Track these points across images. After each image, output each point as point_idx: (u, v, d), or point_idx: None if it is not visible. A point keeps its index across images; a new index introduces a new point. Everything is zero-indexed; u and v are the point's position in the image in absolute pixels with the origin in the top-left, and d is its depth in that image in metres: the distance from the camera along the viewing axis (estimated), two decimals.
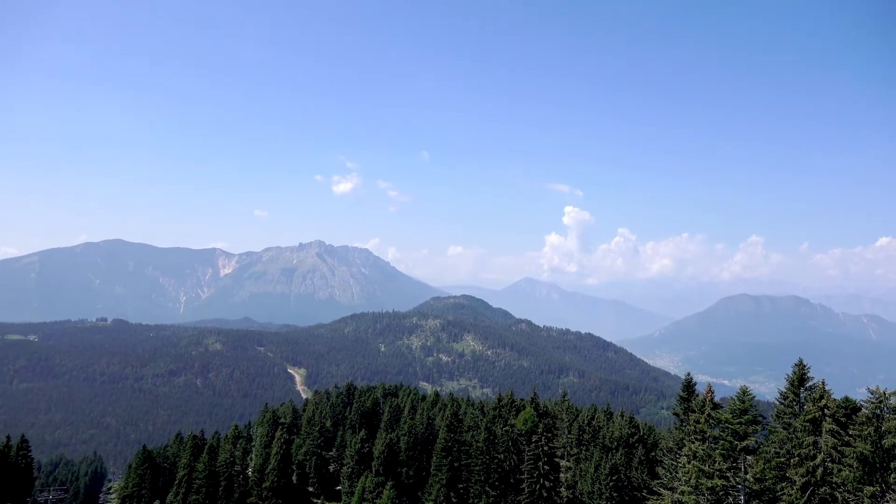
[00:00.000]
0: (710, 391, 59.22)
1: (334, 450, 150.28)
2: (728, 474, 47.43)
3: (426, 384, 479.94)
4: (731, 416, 48.66)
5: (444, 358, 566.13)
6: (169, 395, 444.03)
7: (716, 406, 57.68)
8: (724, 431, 48.68)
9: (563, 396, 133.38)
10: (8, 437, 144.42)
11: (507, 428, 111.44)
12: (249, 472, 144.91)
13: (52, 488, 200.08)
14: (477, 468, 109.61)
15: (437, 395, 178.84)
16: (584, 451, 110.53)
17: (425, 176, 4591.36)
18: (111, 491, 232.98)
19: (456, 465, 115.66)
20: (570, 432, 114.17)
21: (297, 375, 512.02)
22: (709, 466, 48.12)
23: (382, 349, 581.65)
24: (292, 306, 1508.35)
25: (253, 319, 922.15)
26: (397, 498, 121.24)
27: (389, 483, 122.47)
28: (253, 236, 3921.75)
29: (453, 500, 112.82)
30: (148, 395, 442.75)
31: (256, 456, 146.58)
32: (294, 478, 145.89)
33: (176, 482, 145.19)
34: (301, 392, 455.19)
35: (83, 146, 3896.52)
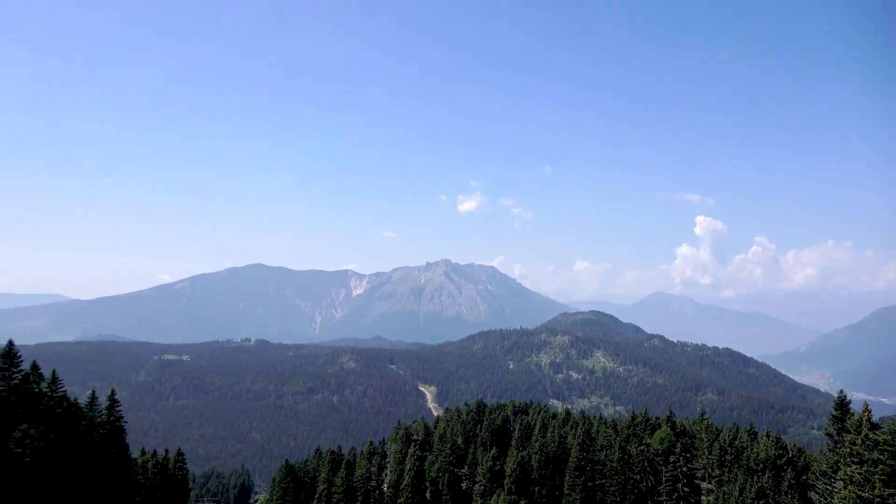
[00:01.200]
0: (867, 410, 54.83)
1: (466, 467, 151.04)
2: (890, 501, 43.66)
3: (556, 402, 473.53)
4: (890, 437, 44.84)
5: (574, 375, 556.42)
6: (308, 412, 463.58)
7: (874, 426, 53.30)
8: (883, 454, 44.90)
9: (702, 415, 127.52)
10: (166, 450, 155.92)
11: (642, 447, 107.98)
12: (385, 487, 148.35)
13: (205, 499, 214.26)
14: (612, 489, 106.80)
15: (567, 412, 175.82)
16: (726, 474, 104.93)
17: (549, 192, 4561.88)
18: (257, 503, 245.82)
19: (590, 484, 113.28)
20: (710, 453, 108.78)
21: (428, 393, 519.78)
22: (868, 492, 44.50)
23: (511, 366, 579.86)
24: (421, 324, 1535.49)
25: (384, 338, 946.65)
26: None
27: (522, 502, 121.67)
28: (382, 257, 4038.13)
29: None
30: (289, 411, 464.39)
31: (391, 472, 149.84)
32: (428, 494, 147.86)
33: (316, 496, 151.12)
34: (432, 409, 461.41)
35: (226, 176, 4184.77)
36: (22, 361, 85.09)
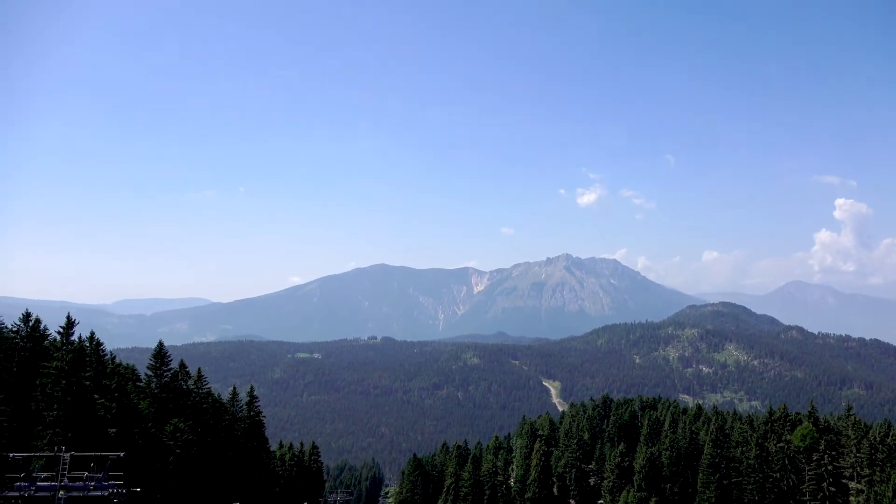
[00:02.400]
0: None
1: (593, 462, 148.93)
2: None
3: (686, 397, 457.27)
4: None
5: (705, 369, 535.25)
6: (434, 407, 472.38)
7: None
8: None
9: (848, 410, 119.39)
10: (301, 444, 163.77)
11: (781, 444, 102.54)
12: (511, 482, 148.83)
13: (339, 491, 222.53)
14: (749, 487, 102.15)
15: (699, 408, 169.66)
16: (878, 473, 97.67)
17: (672, 181, 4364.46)
18: (388, 495, 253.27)
19: (725, 482, 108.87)
20: (858, 451, 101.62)
21: (552, 388, 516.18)
22: None
23: (637, 361, 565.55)
24: (543, 320, 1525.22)
25: (506, 334, 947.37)
26: None
27: (653, 499, 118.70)
28: (502, 253, 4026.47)
29: None
30: (415, 406, 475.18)
31: (517, 467, 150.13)
32: (555, 489, 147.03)
33: (444, 490, 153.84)
34: (557, 404, 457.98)
35: (348, 180, 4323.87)
36: (171, 361, 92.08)
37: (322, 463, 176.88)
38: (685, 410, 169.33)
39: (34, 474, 42.51)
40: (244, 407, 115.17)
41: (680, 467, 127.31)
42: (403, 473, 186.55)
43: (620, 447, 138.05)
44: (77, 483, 42.42)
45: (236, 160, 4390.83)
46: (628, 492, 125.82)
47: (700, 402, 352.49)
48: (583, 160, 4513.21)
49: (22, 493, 40.99)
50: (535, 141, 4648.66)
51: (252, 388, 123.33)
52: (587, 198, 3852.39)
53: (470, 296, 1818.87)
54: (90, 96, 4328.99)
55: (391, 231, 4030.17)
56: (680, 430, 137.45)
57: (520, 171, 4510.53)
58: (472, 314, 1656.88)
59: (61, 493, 41.52)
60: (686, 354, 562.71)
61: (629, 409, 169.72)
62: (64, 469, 41.99)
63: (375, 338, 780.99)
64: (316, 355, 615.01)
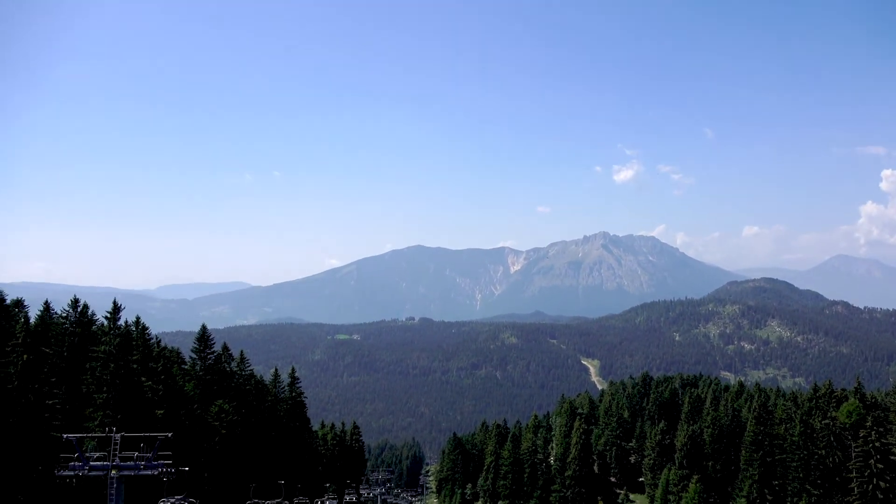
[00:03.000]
0: None
1: (634, 441, 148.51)
2: None
3: (728, 374, 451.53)
4: None
5: (747, 346, 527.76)
6: (472, 387, 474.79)
7: None
8: None
9: None
10: (343, 424, 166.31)
11: (826, 421, 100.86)
12: (551, 460, 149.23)
13: (380, 469, 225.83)
14: (793, 464, 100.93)
15: (741, 385, 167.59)
16: None
17: (711, 155, 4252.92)
18: (429, 474, 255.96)
19: (768, 460, 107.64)
20: None
21: (591, 366, 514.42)
22: None
23: (677, 338, 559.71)
24: (580, 298, 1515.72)
25: (544, 313, 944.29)
26: (704, 492, 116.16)
27: (695, 477, 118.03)
28: (538, 232, 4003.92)
29: (768, 497, 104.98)
30: (454, 386, 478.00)
31: (557, 445, 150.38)
32: (595, 467, 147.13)
33: (484, 468, 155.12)
34: (596, 383, 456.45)
35: (383, 162, 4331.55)
36: (214, 343, 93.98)
37: (363, 442, 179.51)
38: (727, 388, 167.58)
39: (87, 454, 43.90)
40: (286, 388, 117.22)
41: (722, 445, 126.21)
42: (443, 452, 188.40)
43: (661, 425, 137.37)
44: (128, 463, 43.71)
45: (271, 144, 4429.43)
46: (669, 469, 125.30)
47: (742, 379, 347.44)
48: (619, 136, 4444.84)
49: (76, 472, 42.37)
50: (569, 118, 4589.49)
51: (293, 369, 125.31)
52: (624, 174, 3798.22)
53: (507, 275, 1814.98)
54: (127, 80, 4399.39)
55: (427, 212, 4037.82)
56: (722, 408, 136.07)
57: (555, 148, 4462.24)
58: (509, 294, 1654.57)
59: (113, 472, 42.81)
60: (727, 331, 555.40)
61: (669, 386, 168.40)
62: (115, 449, 43.26)
63: (413, 319, 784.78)
64: (355, 337, 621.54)
